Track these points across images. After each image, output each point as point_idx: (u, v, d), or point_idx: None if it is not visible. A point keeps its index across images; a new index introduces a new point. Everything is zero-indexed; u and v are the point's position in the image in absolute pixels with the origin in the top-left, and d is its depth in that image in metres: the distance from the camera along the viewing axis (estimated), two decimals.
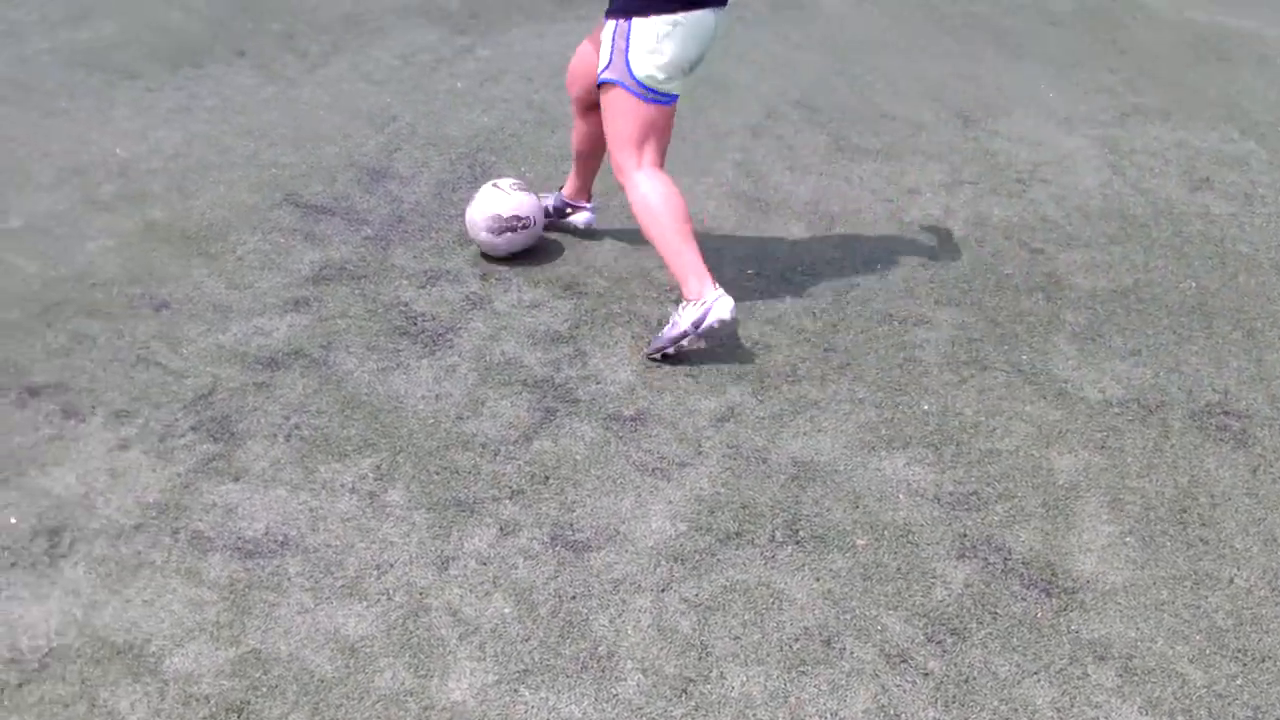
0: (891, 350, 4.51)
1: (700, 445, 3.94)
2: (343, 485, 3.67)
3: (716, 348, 4.44)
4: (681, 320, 4.28)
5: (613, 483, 3.75)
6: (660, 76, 4.26)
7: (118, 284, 4.60)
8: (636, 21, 4.19)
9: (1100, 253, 5.36)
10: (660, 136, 4.45)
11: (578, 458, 3.85)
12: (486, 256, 4.93)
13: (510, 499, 3.66)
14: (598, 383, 4.22)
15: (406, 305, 4.59)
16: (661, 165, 4.47)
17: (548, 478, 3.75)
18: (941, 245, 5.33)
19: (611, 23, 4.25)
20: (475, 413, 4.03)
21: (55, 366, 4.10)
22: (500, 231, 4.84)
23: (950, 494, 3.80)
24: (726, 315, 4.24)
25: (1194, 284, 5.11)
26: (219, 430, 3.86)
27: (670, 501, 3.68)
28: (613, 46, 4.25)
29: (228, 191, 5.39)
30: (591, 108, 4.65)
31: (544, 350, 4.38)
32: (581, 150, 4.95)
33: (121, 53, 7.04)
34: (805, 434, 4.03)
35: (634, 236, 5.20)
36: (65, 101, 6.29)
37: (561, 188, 5.19)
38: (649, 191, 4.37)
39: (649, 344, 4.40)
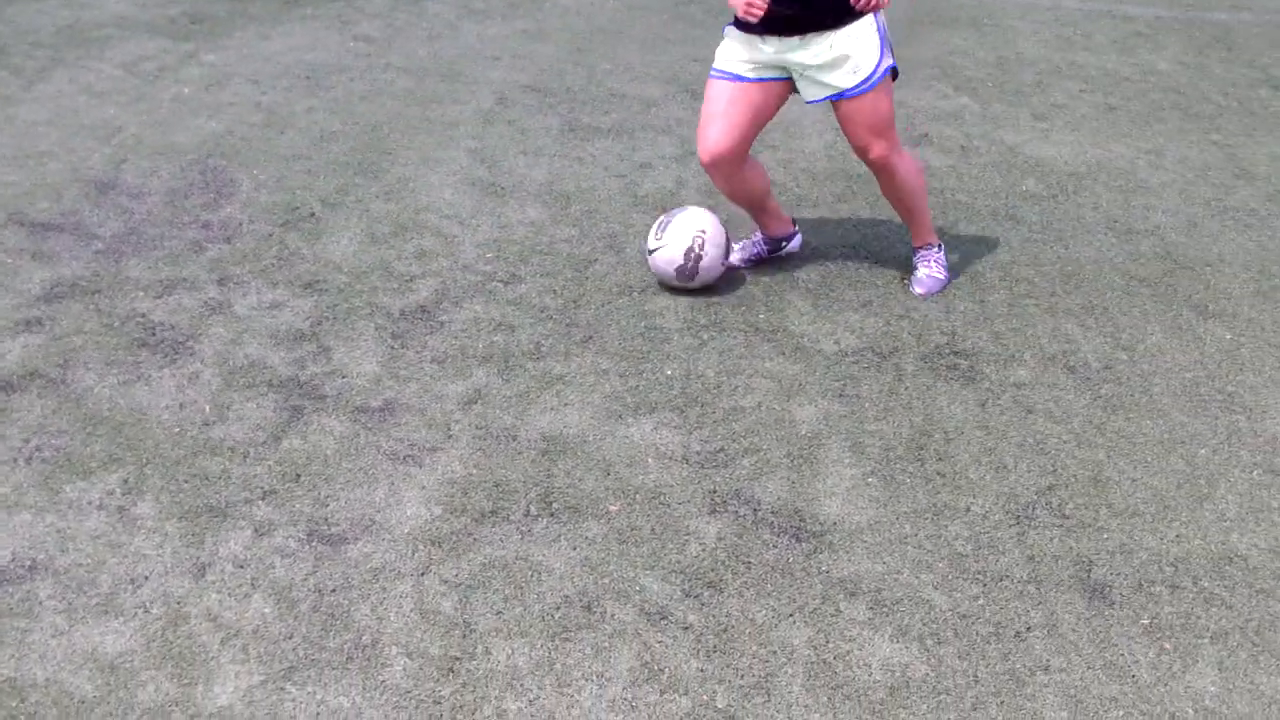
0: (633, 320, 4.59)
1: (450, 429, 3.97)
2: (90, 503, 3.61)
3: (460, 332, 4.47)
4: (942, 258, 4.93)
5: (365, 474, 3.76)
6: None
7: None
8: (882, 15, 4.42)
9: (828, 211, 5.53)
10: None
11: (328, 453, 3.85)
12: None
13: (263, 499, 3.64)
14: (343, 376, 4.22)
15: (144, 316, 4.52)
16: None
17: (299, 475, 3.74)
18: None
19: (864, 22, 4.36)
20: (221, 417, 3.99)
21: None
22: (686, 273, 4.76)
23: (698, 453, 3.90)
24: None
25: None
26: None
27: (423, 487, 3.71)
28: (881, 38, 4.41)
29: None
30: (744, 157, 4.68)
31: (287, 349, 4.36)
32: (761, 195, 4.90)
33: None
34: (553, 409, 4.09)
35: (373, 229, 5.19)
36: None
37: (756, 233, 5.11)
38: (913, 161, 4.78)
39: (923, 285, 4.88)
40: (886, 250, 5.15)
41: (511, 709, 2.98)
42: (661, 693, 3.03)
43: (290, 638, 3.16)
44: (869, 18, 4.36)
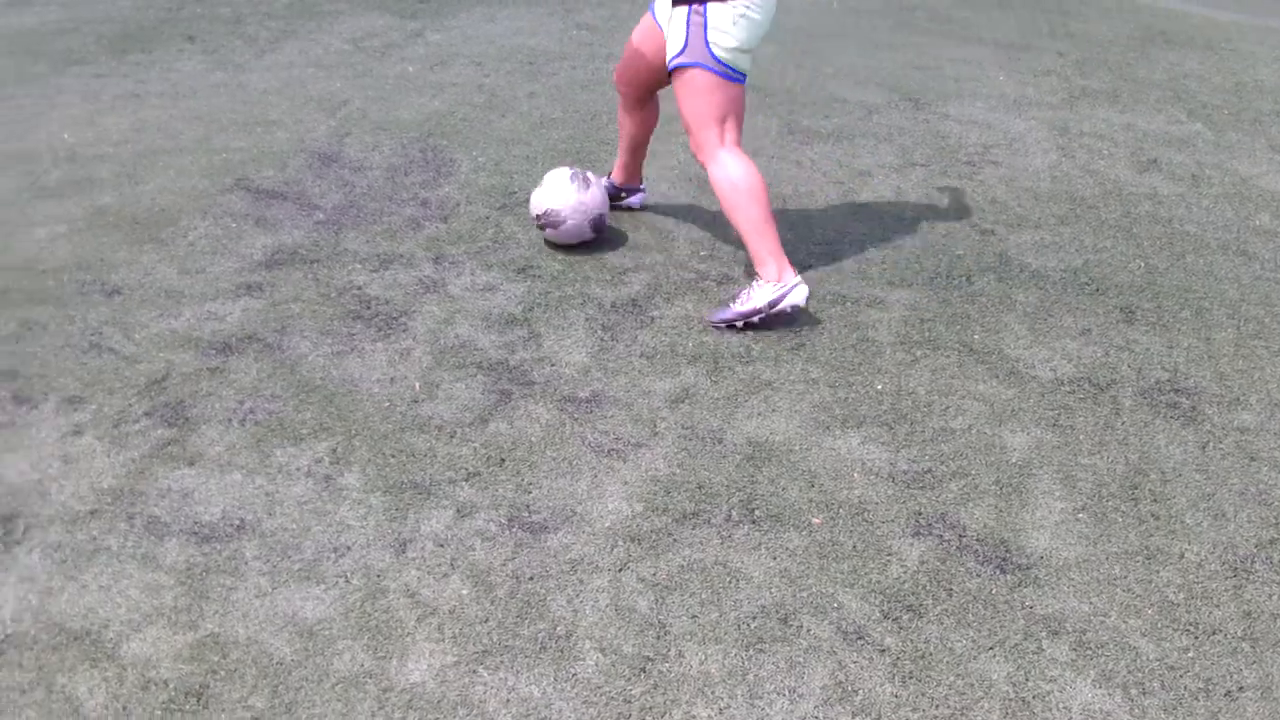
0: (845, 331, 4.53)
1: (655, 426, 3.95)
2: (298, 469, 3.66)
3: (670, 329, 4.45)
4: (756, 298, 4.44)
5: (568, 464, 3.76)
6: (738, 55, 4.40)
7: (67, 270, 4.57)
8: (712, 6, 4.29)
9: (1050, 234, 5.40)
10: (739, 114, 4.56)
11: (533, 439, 3.85)
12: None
13: (466, 481, 3.66)
14: (552, 365, 4.22)
15: (360, 289, 4.58)
16: (740, 144, 4.59)
17: (504, 460, 3.76)
18: (893, 227, 5.36)
19: (683, 9, 4.33)
20: (430, 395, 4.03)
21: (4, 353, 4.07)
22: (541, 226, 4.99)
23: (904, 472, 3.82)
24: (801, 301, 4.43)
25: (1142, 264, 5.16)
26: (173, 415, 3.84)
27: (626, 482, 3.69)
28: (688, 31, 4.34)
29: (177, 177, 5.37)
30: (643, 101, 4.87)
31: (498, 333, 4.38)
32: (636, 140, 5.12)
33: (68, 39, 7.00)
34: (760, 414, 4.04)
35: None
36: (11, 88, 6.25)
37: (610, 174, 5.31)
38: (733, 170, 4.48)
39: (714, 313, 4.54)
40: (1110, 277, 5.01)
41: (701, 715, 2.94)
42: (853, 715, 2.97)
43: (485, 621, 3.17)
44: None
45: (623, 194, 5.30)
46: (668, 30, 4.43)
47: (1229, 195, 5.90)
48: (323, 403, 3.96)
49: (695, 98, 4.44)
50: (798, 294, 4.42)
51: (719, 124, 4.48)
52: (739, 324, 4.46)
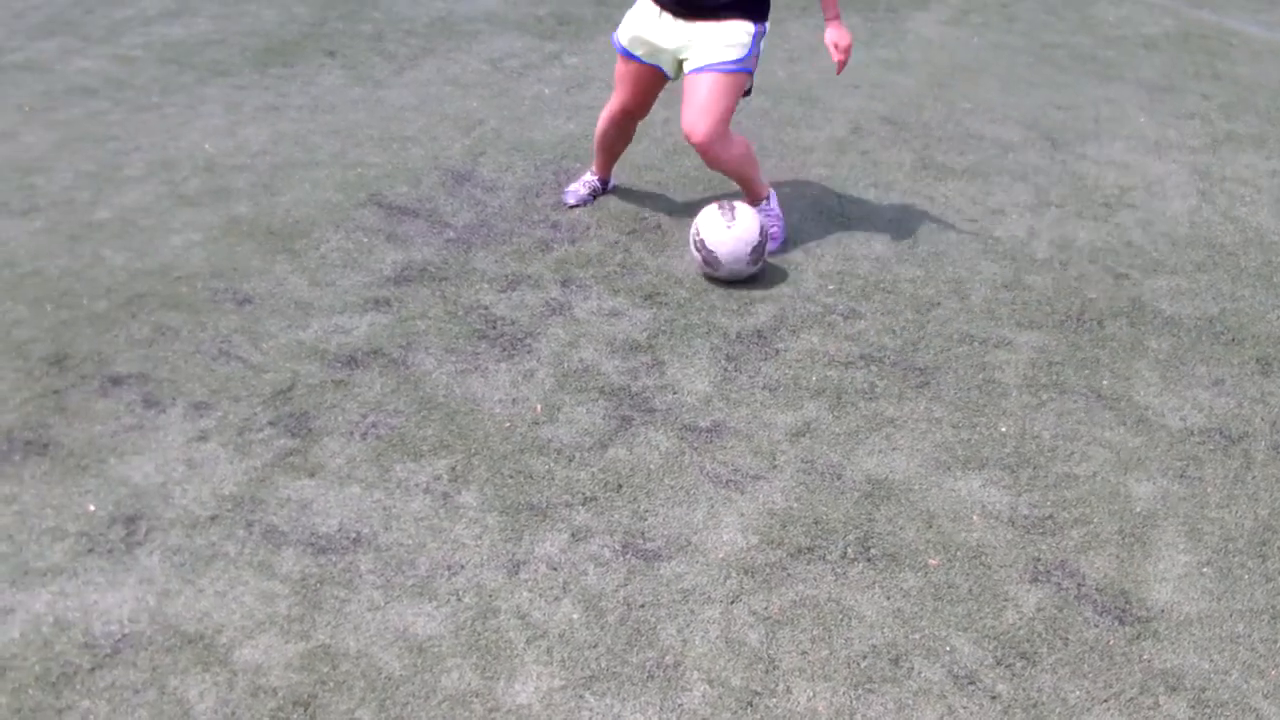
0: (971, 371, 4.47)
1: (775, 459, 3.93)
2: (417, 485, 3.69)
3: (794, 362, 4.42)
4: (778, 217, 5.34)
5: (686, 493, 3.74)
6: None
7: (201, 278, 4.65)
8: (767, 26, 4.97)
9: (1186, 280, 5.29)
10: None
11: (652, 467, 3.85)
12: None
13: (583, 505, 3.66)
14: (674, 393, 4.22)
15: (486, 309, 4.61)
16: None
17: (621, 486, 3.75)
18: (1025, 267, 5.28)
19: (749, 24, 4.88)
20: (551, 418, 4.04)
21: (138, 357, 4.15)
22: (705, 263, 5.00)
23: (1025, 517, 3.76)
24: None
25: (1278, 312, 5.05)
26: (296, 426, 3.89)
27: (743, 514, 3.67)
28: (754, 43, 4.91)
29: (313, 190, 5.44)
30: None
31: (622, 358, 4.39)
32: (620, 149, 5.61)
33: (214, 50, 7.14)
34: (881, 451, 4.00)
35: None
36: (157, 97, 6.38)
37: (595, 173, 5.68)
38: (739, 143, 5.16)
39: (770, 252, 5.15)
40: (1247, 327, 4.89)
41: None
42: None
43: (595, 647, 3.16)
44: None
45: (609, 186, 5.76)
46: (710, 39, 4.84)
47: None
48: (444, 420, 3.98)
49: (732, 97, 4.93)
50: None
51: None
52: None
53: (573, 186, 5.63)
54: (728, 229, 4.85)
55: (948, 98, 7.39)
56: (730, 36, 4.83)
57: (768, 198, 5.34)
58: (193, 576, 3.28)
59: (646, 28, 4.91)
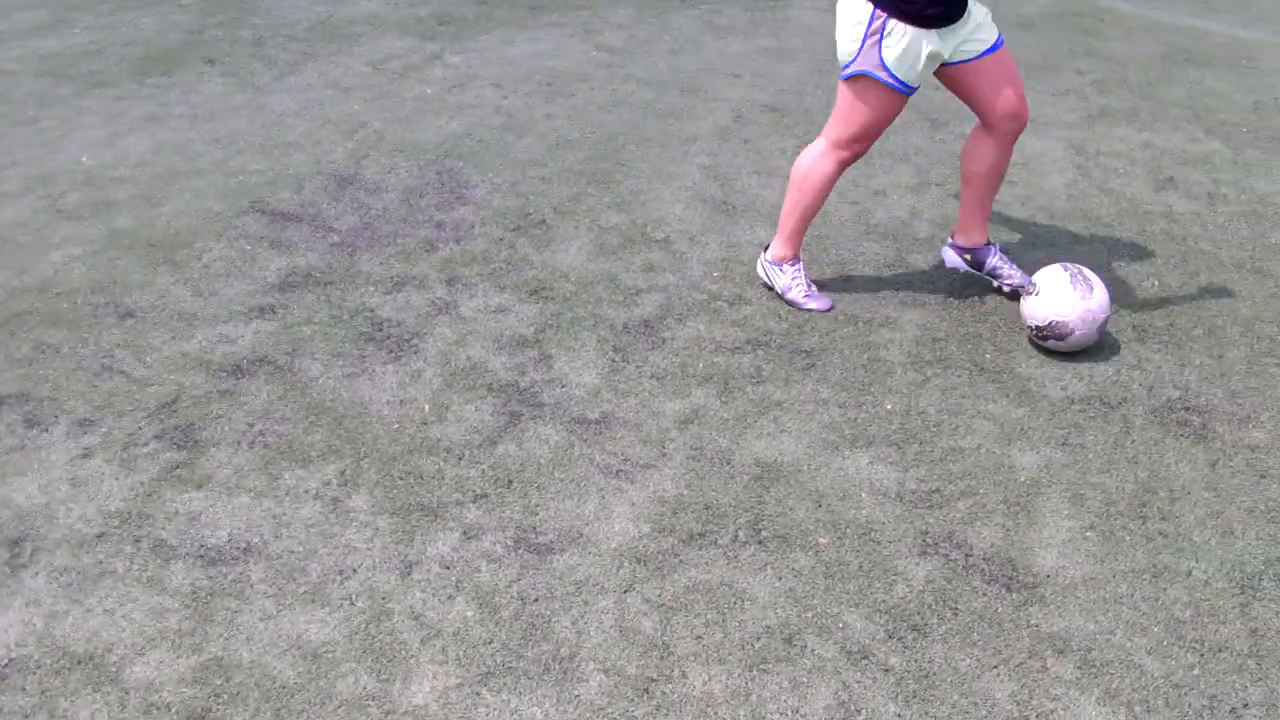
0: (856, 351, 4.52)
1: (664, 447, 3.96)
2: (306, 491, 3.68)
3: (681, 350, 4.46)
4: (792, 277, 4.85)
5: (576, 485, 3.76)
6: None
7: (82, 293, 4.60)
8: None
9: (1065, 252, 5.38)
10: None
11: (542, 461, 3.86)
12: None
13: (474, 503, 3.67)
14: (563, 386, 4.23)
15: (372, 311, 4.60)
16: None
17: (511, 481, 3.77)
18: (907, 246, 5.35)
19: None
20: (440, 418, 4.04)
21: (18, 376, 4.11)
22: (1043, 338, 4.57)
23: (912, 492, 3.82)
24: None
25: (1156, 282, 5.13)
26: (183, 438, 3.87)
27: (634, 503, 3.70)
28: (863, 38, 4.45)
29: (195, 199, 5.40)
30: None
31: (509, 355, 4.40)
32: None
33: (91, 61, 7.06)
34: (769, 434, 4.04)
35: (602, 240, 5.21)
36: (33, 110, 6.30)
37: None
38: (811, 167, 4.76)
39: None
40: (1122, 296, 4.98)
41: None
42: None
43: (490, 643, 3.18)
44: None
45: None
46: (984, 23, 4.46)
47: (1245, 213, 5.87)
48: (332, 425, 3.97)
49: (847, 100, 4.61)
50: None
51: None
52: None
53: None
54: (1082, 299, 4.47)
55: (829, 84, 7.44)
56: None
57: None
58: (80, 596, 3.25)
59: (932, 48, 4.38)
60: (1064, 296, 4.45)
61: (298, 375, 4.21)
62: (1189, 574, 3.53)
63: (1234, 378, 4.47)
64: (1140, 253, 5.39)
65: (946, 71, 4.52)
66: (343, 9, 8.37)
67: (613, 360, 4.39)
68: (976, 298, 4.93)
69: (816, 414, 4.16)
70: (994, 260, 4.90)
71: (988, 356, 4.54)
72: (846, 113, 4.56)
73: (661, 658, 3.16)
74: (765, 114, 6.84)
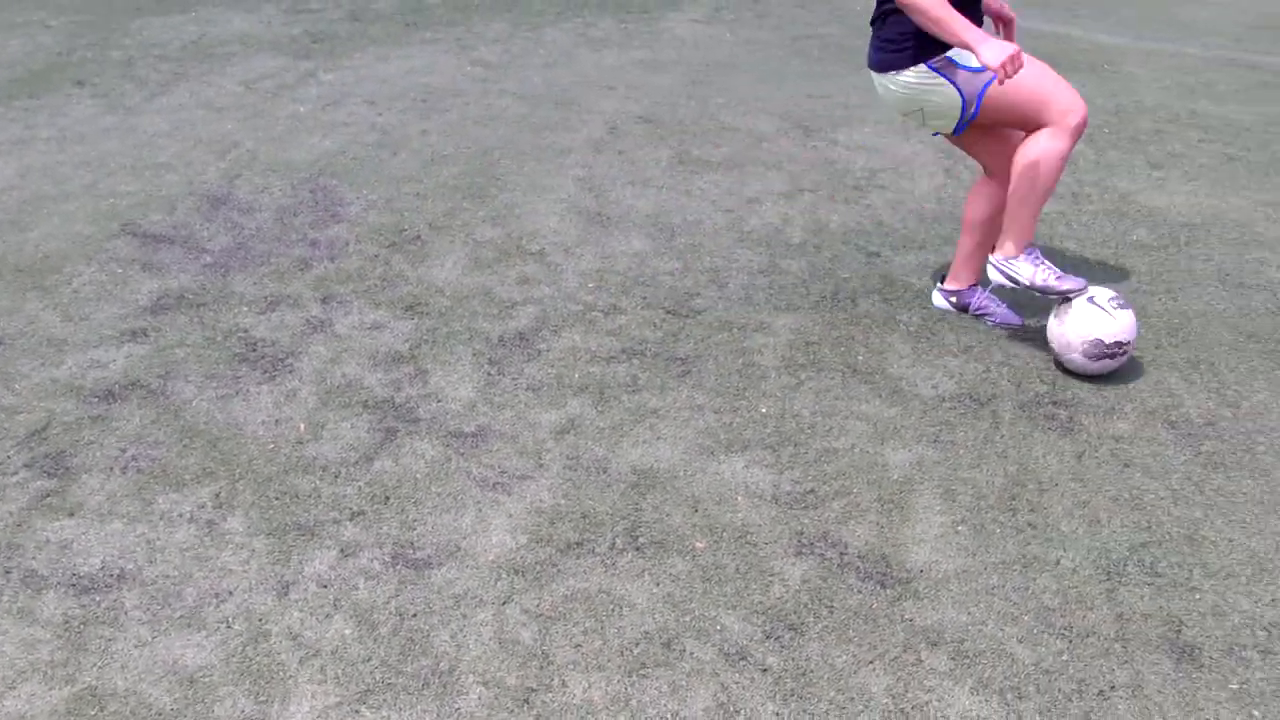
0: (730, 357, 4.57)
1: (541, 458, 3.97)
2: (181, 515, 3.65)
3: (557, 361, 4.48)
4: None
5: (453, 499, 3.77)
6: None
7: None
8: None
9: (935, 254, 5.47)
10: None
11: (418, 476, 3.86)
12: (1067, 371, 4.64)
13: (351, 520, 3.66)
14: (438, 401, 4.24)
15: (246, 332, 4.58)
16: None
17: (388, 497, 3.76)
18: (780, 252, 5.41)
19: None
20: (316, 436, 4.03)
21: None
22: (1098, 357, 4.47)
23: (788, 493, 3.86)
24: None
25: None
26: (53, 466, 3.82)
27: (511, 515, 3.71)
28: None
29: (64, 223, 5.34)
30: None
31: (385, 371, 4.39)
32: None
33: None
34: (645, 442, 4.08)
35: (478, 254, 5.22)
36: None
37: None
38: None
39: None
40: (993, 294, 5.07)
41: None
42: None
43: (369, 660, 3.17)
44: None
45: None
46: None
47: (1108, 212, 6.01)
48: (206, 447, 3.95)
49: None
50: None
51: None
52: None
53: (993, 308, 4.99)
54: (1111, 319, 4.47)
55: (702, 94, 7.52)
56: None
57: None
58: None
59: None
60: (1125, 319, 4.47)
61: (171, 398, 4.18)
62: (1057, 563, 3.61)
63: None
64: None
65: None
66: (214, 29, 8.31)
67: (488, 373, 4.40)
68: (849, 301, 5.00)
69: (692, 420, 4.20)
70: (979, 300, 4.97)
71: (860, 358, 4.61)
72: (1025, 100, 4.42)
73: (541, 667, 3.17)
74: (639, 125, 6.88)
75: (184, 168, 6.00)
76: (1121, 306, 4.49)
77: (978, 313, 4.93)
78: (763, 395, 4.35)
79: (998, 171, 4.65)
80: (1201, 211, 6.06)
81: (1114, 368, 4.53)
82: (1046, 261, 4.61)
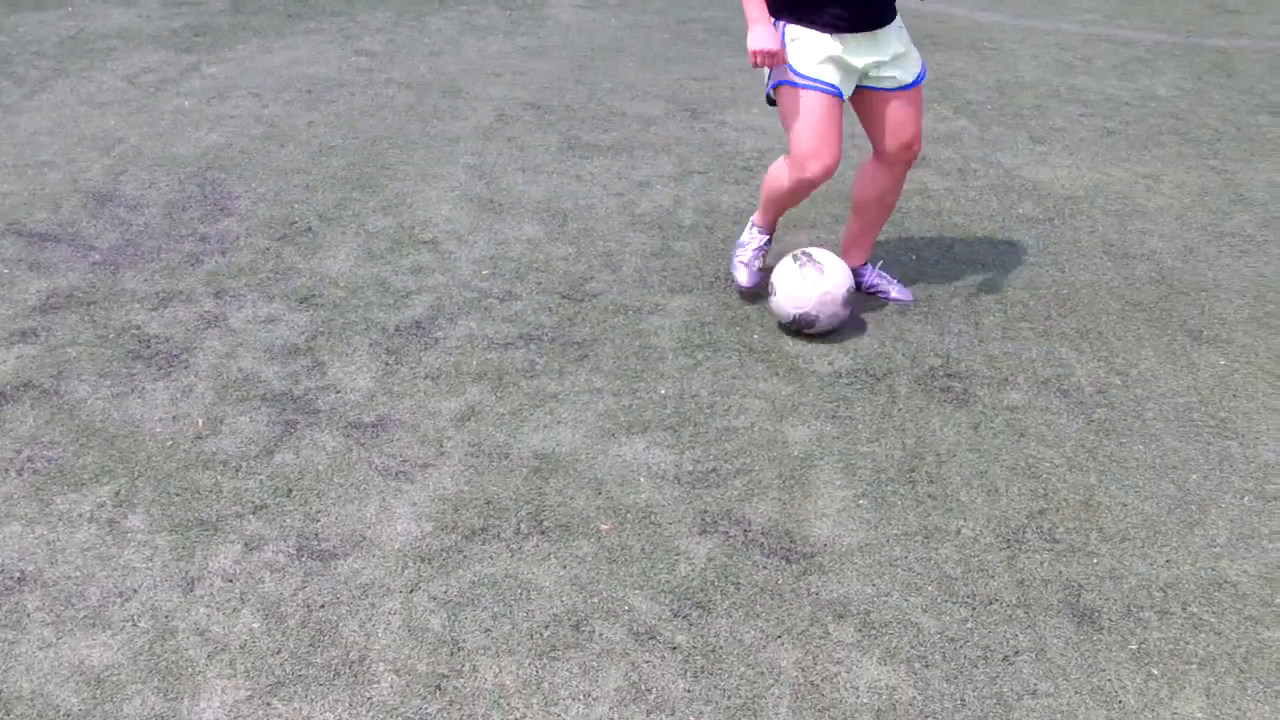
0: (628, 339, 4.60)
1: (442, 446, 3.97)
2: (81, 515, 3.61)
3: (454, 349, 4.48)
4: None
5: (356, 489, 3.76)
6: None
7: None
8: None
9: (826, 232, 5.53)
10: None
11: (320, 467, 3.85)
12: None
13: (254, 514, 3.64)
14: (337, 392, 4.22)
15: (139, 329, 4.53)
16: None
17: (291, 490, 3.75)
18: (672, 235, 5.44)
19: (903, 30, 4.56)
20: (214, 431, 4.00)
21: None
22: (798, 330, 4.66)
23: (690, 473, 3.90)
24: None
25: (914, 256, 5.32)
26: None
27: (415, 503, 3.71)
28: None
29: None
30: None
31: (281, 364, 4.37)
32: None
33: None
34: (546, 426, 4.09)
35: (370, 245, 5.20)
36: None
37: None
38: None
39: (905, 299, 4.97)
40: (885, 270, 5.14)
41: None
42: (648, 713, 3.03)
43: (278, 653, 3.16)
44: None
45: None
46: (905, 56, 4.49)
47: (994, 186, 6.11)
48: (104, 446, 3.90)
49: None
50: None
51: None
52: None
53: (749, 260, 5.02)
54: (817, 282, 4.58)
55: (589, 79, 7.53)
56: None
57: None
58: None
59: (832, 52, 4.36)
60: (798, 288, 4.57)
61: (65, 398, 4.12)
62: (958, 532, 3.68)
63: (991, 343, 4.66)
64: (898, 229, 5.57)
65: (858, 93, 4.52)
66: (92, 24, 8.18)
67: (386, 363, 4.39)
68: None
69: (591, 403, 4.22)
70: (871, 278, 5.01)
71: (756, 337, 4.65)
72: (787, 124, 4.49)
73: (451, 654, 3.18)
74: (528, 111, 6.88)
75: (67, 165, 5.91)
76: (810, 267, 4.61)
77: (870, 290, 4.99)
78: (661, 376, 4.38)
79: (878, 152, 4.70)
80: (1084, 184, 6.18)
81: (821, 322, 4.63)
82: (757, 260, 4.95)
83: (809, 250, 4.69)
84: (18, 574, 3.38)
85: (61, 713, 2.97)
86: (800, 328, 4.63)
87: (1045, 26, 9.12)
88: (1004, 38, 8.77)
